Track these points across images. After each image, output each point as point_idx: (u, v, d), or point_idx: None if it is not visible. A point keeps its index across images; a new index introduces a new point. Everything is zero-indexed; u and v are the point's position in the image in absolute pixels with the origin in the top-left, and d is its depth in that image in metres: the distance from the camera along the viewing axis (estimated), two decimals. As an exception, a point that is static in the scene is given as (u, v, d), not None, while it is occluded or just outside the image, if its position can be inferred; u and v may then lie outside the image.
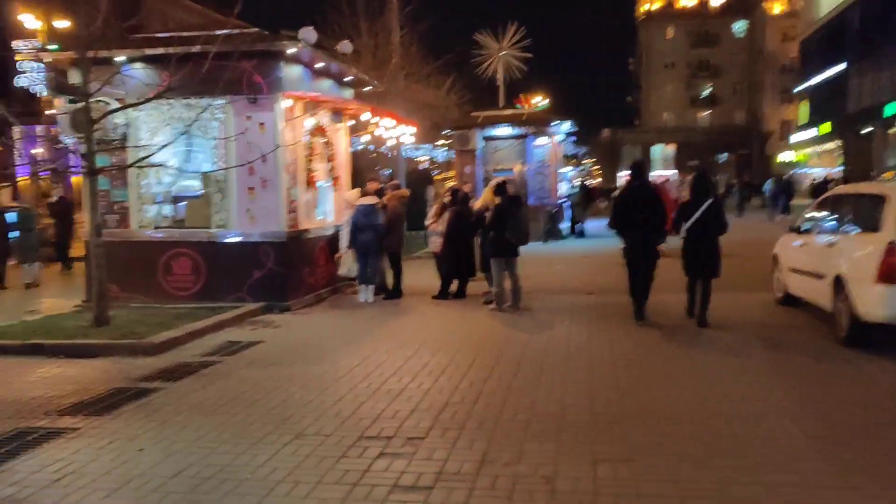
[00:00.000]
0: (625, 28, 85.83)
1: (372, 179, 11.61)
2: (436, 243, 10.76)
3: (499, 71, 26.21)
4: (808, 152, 55.46)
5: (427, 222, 10.97)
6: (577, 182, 25.44)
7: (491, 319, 9.00)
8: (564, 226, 22.60)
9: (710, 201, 8.13)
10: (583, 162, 78.02)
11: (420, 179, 22.50)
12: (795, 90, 56.88)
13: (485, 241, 9.50)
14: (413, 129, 11.93)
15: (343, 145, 12.25)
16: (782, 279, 8.84)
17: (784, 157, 59.82)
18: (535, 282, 11.79)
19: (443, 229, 10.58)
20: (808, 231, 8.14)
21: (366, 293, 10.56)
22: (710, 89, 74.59)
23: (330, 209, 11.66)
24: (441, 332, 8.40)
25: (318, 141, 11.08)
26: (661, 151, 71.91)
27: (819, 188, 31.15)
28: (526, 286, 10.50)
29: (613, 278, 12.12)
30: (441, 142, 27.47)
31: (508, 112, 22.03)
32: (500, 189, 9.42)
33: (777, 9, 67.39)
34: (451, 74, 32.00)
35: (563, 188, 25.19)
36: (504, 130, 21.47)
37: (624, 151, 73.39)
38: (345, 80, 11.81)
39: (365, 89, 12.88)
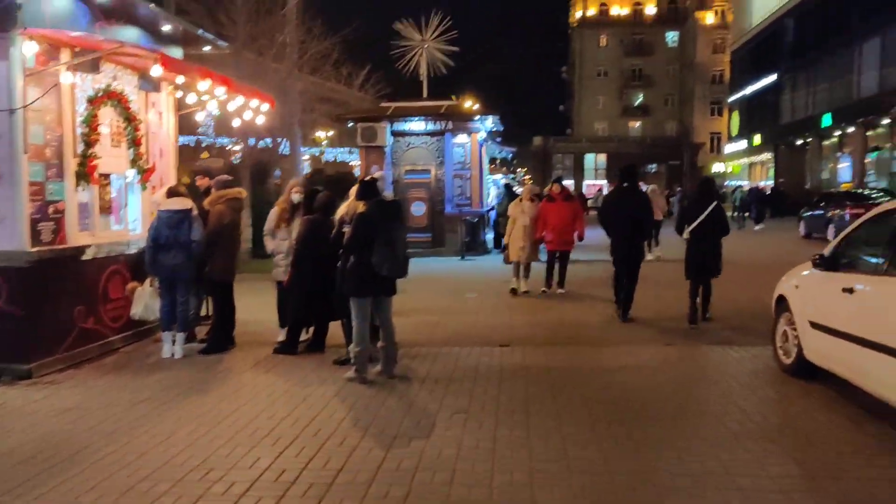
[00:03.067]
0: (559, 35, 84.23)
1: (200, 173, 8.07)
2: (280, 269, 7.28)
3: (422, 64, 23.17)
4: (739, 164, 54.56)
5: (266, 236, 7.45)
6: (501, 185, 22.35)
7: (340, 401, 5.54)
8: (490, 237, 19.43)
9: (713, 204, 8.25)
10: (517, 169, 76.11)
11: (335, 184, 18.82)
12: (729, 100, 56.01)
13: (342, 269, 6.06)
14: (267, 107, 8.41)
15: (169, 125, 8.65)
16: (794, 336, 5.73)
17: (716, 168, 58.92)
18: (428, 321, 8.53)
19: (289, 248, 7.13)
20: (855, 267, 5.02)
21: (172, 345, 7.00)
22: (642, 99, 73.79)
23: (140, 216, 8.05)
24: (260, 424, 4.93)
25: (111, 113, 7.47)
26: (594, 161, 70.47)
27: (756, 198, 29.56)
28: (415, 330, 7.71)
29: (544, 315, 9.03)
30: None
31: (423, 103, 18.73)
32: (366, 190, 6.03)
33: (709, 19, 66.91)
34: (365, 66, 28.70)
35: (493, 194, 22.15)
36: (418, 125, 18.15)
37: (555, 160, 71.72)
38: (163, 31, 8.21)
39: (205, 50, 9.32)
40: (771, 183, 42.98)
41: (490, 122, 18.32)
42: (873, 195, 19.54)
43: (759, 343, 7.00)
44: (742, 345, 7.08)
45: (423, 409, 5.21)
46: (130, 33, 7.66)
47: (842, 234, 5.31)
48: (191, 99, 7.95)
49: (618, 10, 73.32)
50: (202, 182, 7.90)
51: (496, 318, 9.07)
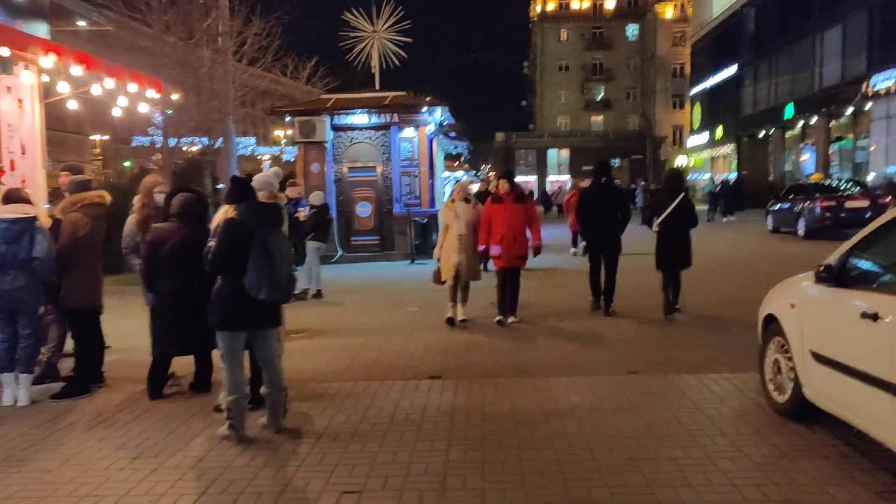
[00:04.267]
0: (520, 29, 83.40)
1: (67, 170, 6.59)
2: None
3: (373, 56, 21.82)
4: (702, 156, 54.08)
5: (126, 252, 6.00)
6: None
7: (198, 474, 4.13)
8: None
9: (681, 196, 8.36)
10: (481, 166, 74.66)
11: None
12: (690, 93, 55.52)
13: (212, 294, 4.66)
14: (155, 94, 6.96)
15: (34, 115, 7.14)
16: (790, 367, 4.48)
17: (678, 161, 58.44)
18: (350, 346, 7.18)
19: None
20: (876, 284, 3.74)
21: (15, 388, 5.54)
22: (604, 94, 73.23)
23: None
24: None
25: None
26: (557, 156, 69.69)
27: (729, 191, 28.87)
28: (332, 357, 6.66)
29: (488, 334, 7.67)
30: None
31: (366, 94, 17.30)
32: (236, 190, 4.63)
33: (669, 13, 66.52)
34: (312, 58, 27.11)
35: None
36: (361, 118, 16.73)
37: (518, 156, 70.78)
38: (18, 1, 6.69)
39: (80, 25, 7.82)
40: (735, 175, 42.42)
41: (439, 114, 16.97)
42: (844, 186, 18.66)
43: (742, 364, 5.78)
44: (721, 370, 5.84)
45: (303, 490, 3.83)
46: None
47: (855, 239, 4.05)
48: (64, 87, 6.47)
49: (577, 5, 72.59)
50: (64, 180, 6.42)
51: (434, 337, 7.72)
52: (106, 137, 32.48)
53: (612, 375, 5.89)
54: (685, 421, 4.68)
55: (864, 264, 3.90)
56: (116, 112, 7.21)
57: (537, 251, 8.22)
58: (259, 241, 4.37)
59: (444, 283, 8.22)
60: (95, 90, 6.36)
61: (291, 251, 4.57)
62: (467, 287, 8.35)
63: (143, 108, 7.17)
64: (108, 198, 5.99)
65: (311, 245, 10.45)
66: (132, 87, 6.70)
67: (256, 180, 5.85)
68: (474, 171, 56.40)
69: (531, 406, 5.14)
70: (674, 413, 4.84)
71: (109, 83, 6.44)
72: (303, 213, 10.23)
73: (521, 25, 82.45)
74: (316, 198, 10.51)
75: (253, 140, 53.60)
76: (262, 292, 4.36)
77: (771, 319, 4.77)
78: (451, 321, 8.25)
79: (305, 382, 6.00)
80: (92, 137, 37.04)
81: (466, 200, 8.27)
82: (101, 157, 35.35)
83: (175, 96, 23.41)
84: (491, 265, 8.63)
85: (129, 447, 4.56)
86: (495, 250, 7.98)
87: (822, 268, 4.00)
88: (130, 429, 4.94)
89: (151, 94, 7.08)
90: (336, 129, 16.70)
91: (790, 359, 4.46)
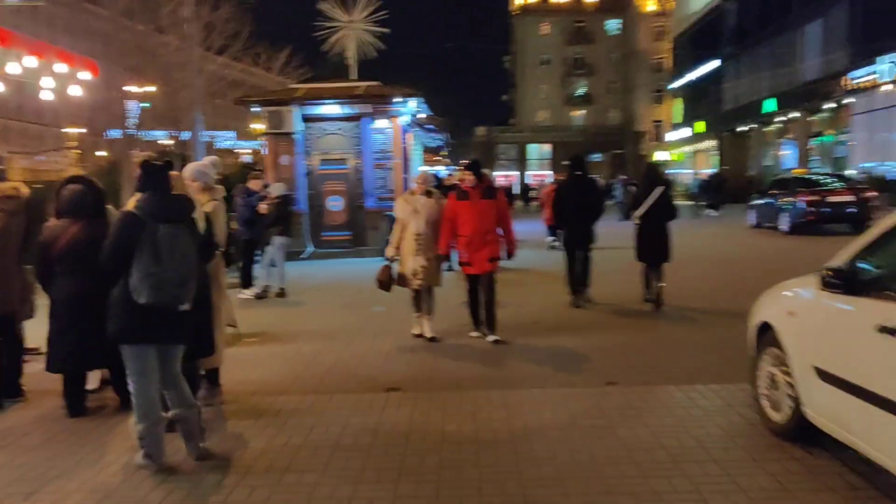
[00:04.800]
0: (501, 23, 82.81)
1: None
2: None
3: (349, 46, 21.21)
4: (683, 151, 53.95)
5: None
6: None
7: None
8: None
9: (661, 189, 8.43)
10: (460, 161, 73.91)
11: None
12: (669, 87, 55.35)
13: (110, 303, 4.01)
14: (88, 75, 6.28)
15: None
16: (787, 382, 3.95)
17: (659, 156, 58.28)
18: (304, 353, 6.59)
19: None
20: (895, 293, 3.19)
21: None
22: (585, 88, 72.88)
23: None
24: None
25: None
26: (538, 151, 69.26)
27: (711, 186, 28.68)
28: (282, 366, 6.08)
29: (456, 339, 6.88)
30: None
31: (337, 84, 16.63)
32: (146, 177, 3.96)
33: (650, 6, 66.28)
34: (284, 48, 26.38)
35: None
36: (332, 109, 16.04)
37: (499, 150, 70.30)
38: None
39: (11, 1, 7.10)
40: (715, 170, 42.24)
41: (413, 105, 16.33)
42: (825, 180, 18.30)
43: (729, 374, 5.26)
44: (707, 380, 5.31)
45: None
46: None
47: (866, 239, 3.51)
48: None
49: (558, -2, 72.18)
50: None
51: (398, 342, 7.12)
52: (83, 130, 31.69)
53: (589, 387, 5.33)
54: (669, 443, 4.13)
55: (881, 268, 3.36)
56: (47, 95, 6.51)
57: (510, 253, 7.02)
58: (148, 237, 3.74)
59: (389, 288, 7.09)
60: (13, 69, 5.68)
61: (191, 251, 3.88)
62: (431, 295, 7.15)
63: (74, 90, 6.45)
64: (24, 190, 5.32)
65: (277, 240, 9.82)
66: (60, 68, 6.02)
67: (187, 169, 5.25)
68: (454, 166, 55.85)
69: (497, 424, 4.57)
70: (656, 433, 4.29)
71: (31, 61, 5.75)
72: (263, 205, 9.59)
73: (502, 19, 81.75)
74: (277, 188, 9.88)
75: (233, 134, 52.56)
76: (142, 295, 3.72)
77: (765, 328, 4.23)
78: (420, 336, 7.15)
79: (249, 396, 5.38)
80: (67, 130, 36.02)
81: (428, 193, 7.06)
82: (78, 151, 34.51)
83: (152, 88, 22.61)
84: (457, 264, 7.49)
85: (28, 479, 3.93)
86: (463, 253, 6.86)
87: (830, 272, 3.46)
88: (35, 455, 4.29)
89: (85, 75, 6.39)
90: (306, 119, 15.99)
91: (788, 373, 3.93)
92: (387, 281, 7.06)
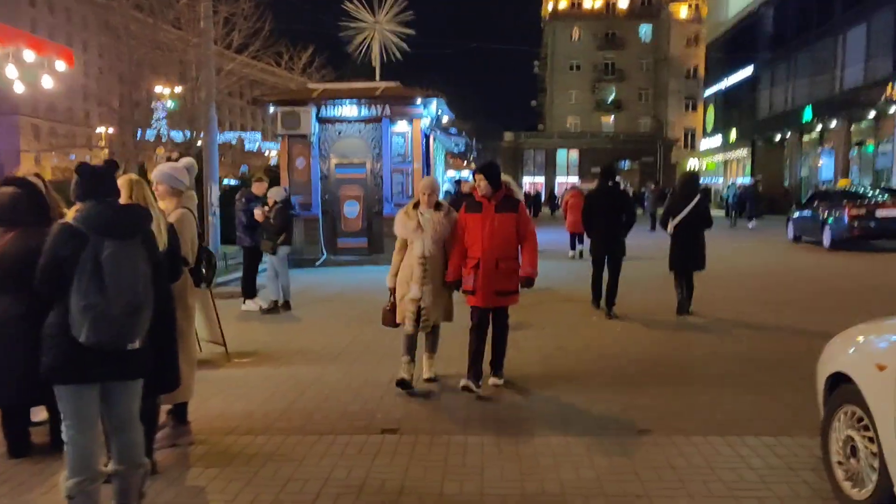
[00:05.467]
0: (532, 28, 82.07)
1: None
2: None
3: (374, 48, 20.71)
4: (714, 160, 52.58)
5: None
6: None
7: None
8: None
9: (697, 199, 8.49)
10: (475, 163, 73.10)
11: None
12: (704, 95, 54.02)
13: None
14: (63, 65, 5.66)
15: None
16: (872, 453, 3.14)
17: (690, 164, 56.96)
18: (293, 380, 5.83)
19: None
20: None
21: None
22: (616, 94, 71.75)
23: None
24: None
25: None
26: (566, 157, 68.25)
27: (754, 196, 27.83)
28: (264, 399, 5.21)
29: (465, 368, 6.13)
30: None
31: (356, 85, 16.02)
32: (87, 184, 3.26)
33: (683, 13, 64.99)
34: (308, 48, 25.88)
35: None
36: (350, 110, 15.42)
37: (527, 156, 69.49)
38: None
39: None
40: (748, 180, 40.99)
41: (435, 107, 15.63)
42: (872, 192, 17.20)
43: (785, 421, 4.44)
44: (758, 429, 4.49)
45: None
46: None
47: None
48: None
49: (590, 3, 71.17)
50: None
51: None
52: (111, 130, 31.70)
53: (618, 436, 4.54)
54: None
55: None
56: (19, 88, 5.90)
57: (530, 282, 5.51)
58: (89, 256, 3.04)
59: (396, 326, 5.77)
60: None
61: (145, 273, 3.17)
62: (436, 333, 5.80)
63: (46, 81, 5.84)
64: None
65: (280, 251, 9.15)
66: (29, 56, 5.41)
67: (156, 171, 4.57)
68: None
69: (508, 485, 3.81)
70: (701, 508, 3.50)
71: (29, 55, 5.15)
72: (259, 211, 8.92)
73: (533, 23, 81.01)
74: (276, 192, 9.19)
75: (258, 135, 52.46)
76: (81, 331, 3.02)
77: (839, 380, 3.42)
78: (403, 384, 5.53)
79: (224, 434, 4.68)
80: (98, 130, 36.06)
81: (437, 207, 5.60)
82: (107, 150, 34.60)
83: (178, 89, 22.19)
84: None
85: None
86: (469, 280, 5.44)
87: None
88: (-43, 509, 3.64)
89: (61, 65, 5.78)
90: (322, 121, 15.40)
91: (874, 440, 3.11)
92: (390, 317, 5.82)
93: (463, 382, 5.44)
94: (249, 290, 9.78)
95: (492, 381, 5.67)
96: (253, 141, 50.55)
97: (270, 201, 9.11)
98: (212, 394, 5.61)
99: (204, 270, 4.65)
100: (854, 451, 3.31)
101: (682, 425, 4.69)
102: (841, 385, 3.41)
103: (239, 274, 11.07)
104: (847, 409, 3.34)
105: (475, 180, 5.60)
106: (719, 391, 5.49)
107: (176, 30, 18.22)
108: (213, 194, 11.35)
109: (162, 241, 3.71)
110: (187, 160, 4.79)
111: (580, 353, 6.92)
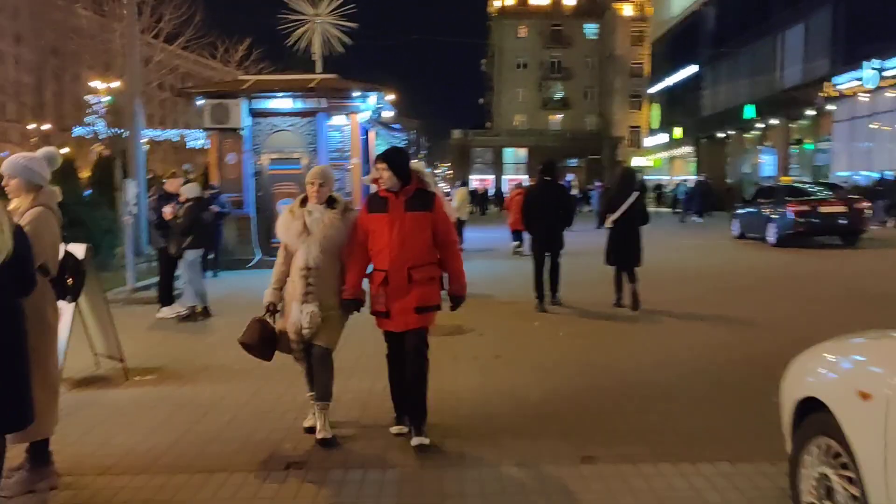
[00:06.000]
0: (479, 26, 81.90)
1: None
2: None
3: (314, 42, 19.90)
4: (660, 157, 53.19)
5: None
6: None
7: None
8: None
9: (635, 195, 8.56)
10: (438, 165, 72.41)
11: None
12: (649, 91, 54.57)
13: None
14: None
15: None
16: (850, 495, 2.63)
17: (636, 162, 57.54)
18: (202, 397, 5.17)
19: None
20: None
21: None
22: (562, 92, 72.07)
23: None
24: None
25: None
26: (514, 155, 68.22)
27: (697, 193, 28.06)
28: (159, 425, 4.41)
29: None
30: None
31: (289, 76, 15.22)
32: None
33: (627, 11, 65.56)
34: (244, 40, 24.83)
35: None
36: (284, 103, 14.61)
37: (475, 154, 69.19)
38: None
39: None
40: (702, 178, 41.48)
41: (373, 101, 14.93)
42: (814, 189, 17.22)
43: (741, 443, 3.95)
44: (713, 453, 3.99)
45: None
46: None
47: None
48: None
49: (537, 1, 71.23)
50: None
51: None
52: (48, 127, 30.08)
53: (559, 464, 3.97)
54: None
55: None
56: None
57: (458, 300, 4.38)
58: None
59: (266, 353, 4.49)
60: None
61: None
62: (327, 361, 4.37)
63: None
64: None
65: (187, 255, 8.32)
66: None
67: (6, 163, 3.81)
68: (431, 168, 54.39)
69: (426, 535, 3.20)
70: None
71: None
72: (169, 209, 8.10)
73: (480, 21, 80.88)
74: (189, 189, 8.37)
75: (203, 133, 50.62)
76: None
77: (812, 407, 2.90)
78: (313, 431, 4.43)
79: (97, 475, 3.94)
80: (31, 127, 34.08)
81: (330, 204, 4.39)
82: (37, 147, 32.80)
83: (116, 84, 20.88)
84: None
85: None
86: (379, 299, 4.27)
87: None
88: None
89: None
90: (255, 114, 14.54)
91: (855, 482, 2.60)
92: (258, 343, 4.42)
93: (394, 430, 4.47)
94: (165, 297, 8.95)
95: (414, 441, 4.22)
96: (196, 139, 48.84)
97: (182, 199, 8.29)
98: (95, 423, 4.85)
99: (69, 281, 3.89)
100: (830, 493, 2.80)
101: (629, 450, 4.15)
102: (813, 413, 2.90)
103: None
104: (821, 441, 2.83)
105: (377, 170, 4.31)
106: (667, 407, 4.98)
107: (98, 16, 17.08)
108: (130, 192, 10.42)
109: (4, 246, 3.00)
110: (47, 150, 4.02)
111: (519, 362, 6.36)
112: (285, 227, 4.40)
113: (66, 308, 5.69)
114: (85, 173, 21.57)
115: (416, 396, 4.33)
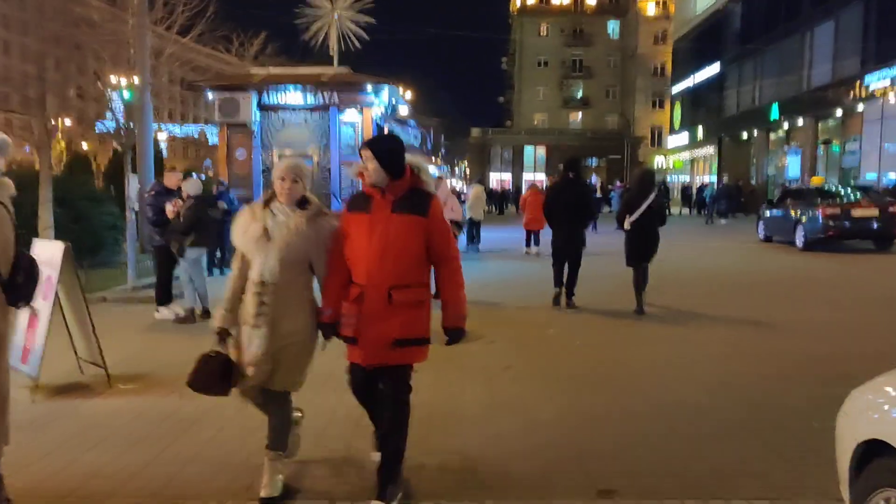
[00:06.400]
0: (500, 24, 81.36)
1: None
2: None
3: (332, 36, 19.65)
4: (681, 158, 52.30)
5: None
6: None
7: None
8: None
9: (653, 195, 8.46)
10: (458, 162, 71.89)
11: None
12: (671, 93, 53.67)
13: None
14: None
15: None
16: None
17: (657, 162, 56.71)
18: (185, 411, 4.70)
19: None
20: None
21: None
22: (583, 91, 71.36)
23: None
24: None
25: None
26: (533, 154, 67.65)
27: (727, 193, 27.71)
28: (147, 435, 4.11)
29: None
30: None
31: (301, 70, 14.85)
32: None
33: (651, 10, 64.68)
34: (259, 34, 24.56)
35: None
36: (295, 97, 14.25)
37: (494, 152, 68.72)
38: None
39: None
40: (714, 178, 40.66)
41: (386, 95, 14.53)
42: (845, 191, 16.53)
43: (780, 474, 3.45)
44: (748, 490, 3.50)
45: None
46: None
47: None
48: None
49: (558, -1, 70.65)
50: None
51: (318, 397, 5.22)
52: (68, 122, 30.11)
53: (573, 499, 3.50)
54: None
55: None
56: None
57: (456, 334, 3.46)
58: None
59: (220, 388, 3.61)
60: None
61: None
62: (284, 404, 3.68)
63: None
64: None
65: (189, 254, 7.94)
66: None
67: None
68: (445, 167, 53.80)
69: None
70: None
71: None
72: (171, 206, 7.72)
73: (501, 19, 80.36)
74: (191, 186, 7.98)
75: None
76: None
77: (876, 450, 2.41)
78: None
79: (56, 501, 3.53)
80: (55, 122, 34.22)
81: (301, 203, 3.50)
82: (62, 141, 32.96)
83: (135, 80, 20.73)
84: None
85: None
86: (345, 325, 3.40)
87: None
88: None
89: None
90: (264, 108, 14.21)
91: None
92: (209, 378, 3.54)
93: (374, 456, 3.64)
94: (163, 296, 8.58)
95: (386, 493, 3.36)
96: (215, 134, 48.81)
97: (184, 195, 7.90)
98: (66, 437, 4.46)
99: (21, 283, 3.48)
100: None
101: (652, 483, 3.66)
102: (880, 458, 2.40)
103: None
104: (890, 495, 2.33)
105: (362, 160, 3.39)
106: (695, 431, 4.48)
107: (108, 6, 16.83)
108: (132, 188, 10.09)
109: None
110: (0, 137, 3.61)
111: (531, 375, 5.88)
112: (242, 229, 3.48)
113: (43, 310, 5.33)
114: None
115: (388, 453, 3.40)
